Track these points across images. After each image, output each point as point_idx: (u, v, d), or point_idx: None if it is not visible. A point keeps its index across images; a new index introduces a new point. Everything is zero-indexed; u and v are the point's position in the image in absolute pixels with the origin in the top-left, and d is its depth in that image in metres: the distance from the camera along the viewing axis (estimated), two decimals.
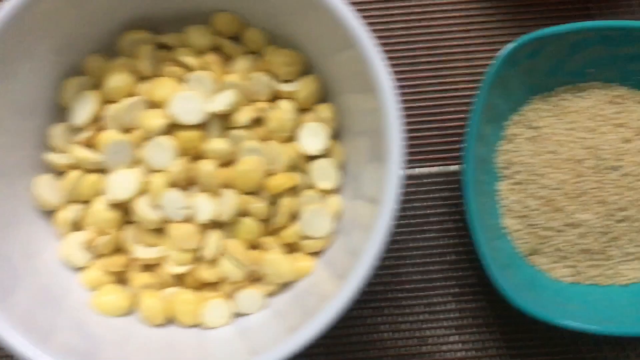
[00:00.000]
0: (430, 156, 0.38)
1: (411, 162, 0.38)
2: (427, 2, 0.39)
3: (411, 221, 0.37)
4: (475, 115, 0.34)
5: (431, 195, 0.38)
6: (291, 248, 0.33)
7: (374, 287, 0.37)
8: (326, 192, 0.33)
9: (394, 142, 0.28)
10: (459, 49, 0.39)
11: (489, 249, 0.33)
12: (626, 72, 0.36)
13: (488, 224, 0.35)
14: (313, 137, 0.33)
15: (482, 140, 0.35)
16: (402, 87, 0.38)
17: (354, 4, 0.38)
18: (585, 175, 0.35)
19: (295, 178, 0.32)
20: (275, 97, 0.34)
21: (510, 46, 0.34)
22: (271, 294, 0.33)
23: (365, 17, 0.39)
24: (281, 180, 0.32)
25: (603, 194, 0.35)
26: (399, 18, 0.39)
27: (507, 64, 0.34)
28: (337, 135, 0.34)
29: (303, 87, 0.33)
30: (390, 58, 0.39)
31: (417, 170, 0.38)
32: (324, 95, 0.34)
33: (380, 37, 0.39)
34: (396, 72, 0.38)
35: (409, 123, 0.38)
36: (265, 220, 0.33)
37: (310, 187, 0.33)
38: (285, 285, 0.33)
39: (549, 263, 0.36)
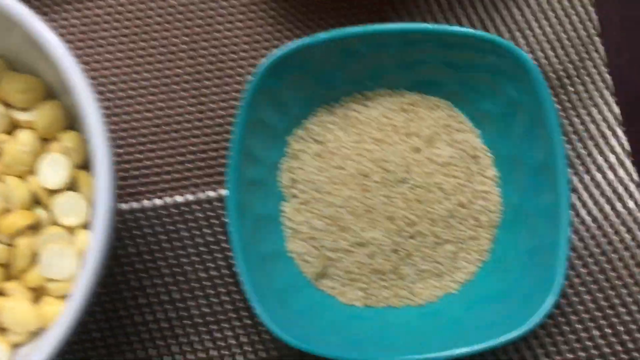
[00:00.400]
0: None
1: (196, 186, 0.35)
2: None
3: (200, 249, 0.34)
4: (237, 134, 0.31)
5: (221, 221, 0.35)
6: (39, 292, 0.30)
7: (158, 324, 0.34)
8: (74, 229, 0.30)
9: (100, 180, 0.26)
10: (243, 59, 0.36)
11: (256, 280, 0.30)
12: (414, 78, 0.34)
13: (269, 250, 0.33)
14: (55, 169, 0.30)
15: (255, 160, 0.32)
16: (166, 107, 0.36)
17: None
18: (373, 190, 0.33)
19: (32, 215, 0.29)
20: (15, 127, 0.31)
21: (270, 58, 0.31)
22: (20, 344, 0.30)
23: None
24: (15, 219, 0.29)
25: (392, 209, 0.33)
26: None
27: (272, 76, 0.31)
28: (90, 165, 0.31)
29: (42, 116, 0.30)
30: (171, 75, 0.36)
31: (205, 194, 0.35)
32: (70, 123, 0.31)
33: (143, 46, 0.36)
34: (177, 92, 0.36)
35: (185, 146, 0.35)
36: (6, 264, 0.30)
37: (55, 224, 0.30)
38: (37, 333, 0.30)
39: (339, 287, 0.33)
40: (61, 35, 0.36)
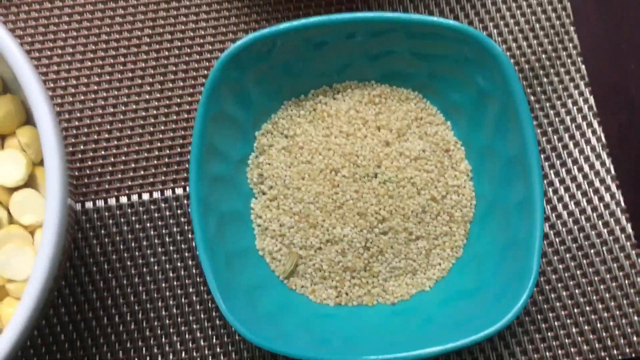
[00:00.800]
0: None
1: (163, 184, 0.34)
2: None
3: (168, 248, 0.34)
4: (198, 128, 0.30)
5: (189, 219, 0.34)
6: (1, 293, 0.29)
7: (125, 326, 0.33)
8: (34, 228, 0.29)
9: (51, 175, 0.25)
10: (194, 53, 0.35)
11: (222, 279, 0.30)
12: (383, 69, 0.33)
13: (236, 248, 0.32)
14: (12, 166, 0.29)
15: (220, 155, 0.32)
16: (139, 101, 0.35)
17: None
18: (343, 185, 0.32)
19: None
20: None
21: (231, 49, 0.30)
22: None
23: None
24: None
25: (362, 204, 0.32)
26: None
27: (235, 67, 0.30)
28: None
29: None
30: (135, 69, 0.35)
31: (172, 192, 0.34)
32: (29, 119, 0.30)
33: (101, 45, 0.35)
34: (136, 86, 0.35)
35: (150, 141, 0.34)
36: None
37: (14, 223, 0.29)
38: None
39: (310, 285, 0.32)
40: (18, 28, 0.35)
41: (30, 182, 0.30)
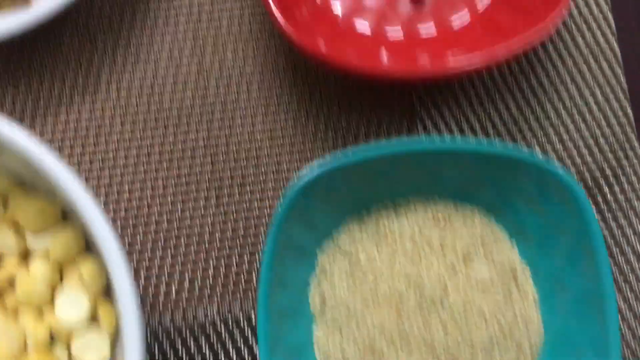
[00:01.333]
0: None
1: (221, 304, 0.33)
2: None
3: None
4: (267, 262, 0.29)
5: (249, 343, 0.33)
6: None
7: None
8: None
9: (125, 307, 0.24)
10: (266, 164, 0.34)
11: None
12: (448, 189, 0.32)
13: None
14: (73, 304, 0.28)
15: (285, 284, 0.30)
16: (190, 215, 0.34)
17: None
18: (408, 313, 0.31)
19: (52, 357, 0.27)
20: (26, 254, 0.29)
21: (299, 182, 0.29)
22: None
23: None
24: None
25: (429, 334, 0.31)
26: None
27: (303, 197, 0.29)
28: (109, 290, 0.29)
29: (58, 242, 0.28)
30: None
31: (231, 313, 0.33)
32: (87, 247, 0.29)
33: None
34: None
35: (207, 260, 0.33)
36: None
37: None
38: None
39: None
40: (68, 138, 0.34)
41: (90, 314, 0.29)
